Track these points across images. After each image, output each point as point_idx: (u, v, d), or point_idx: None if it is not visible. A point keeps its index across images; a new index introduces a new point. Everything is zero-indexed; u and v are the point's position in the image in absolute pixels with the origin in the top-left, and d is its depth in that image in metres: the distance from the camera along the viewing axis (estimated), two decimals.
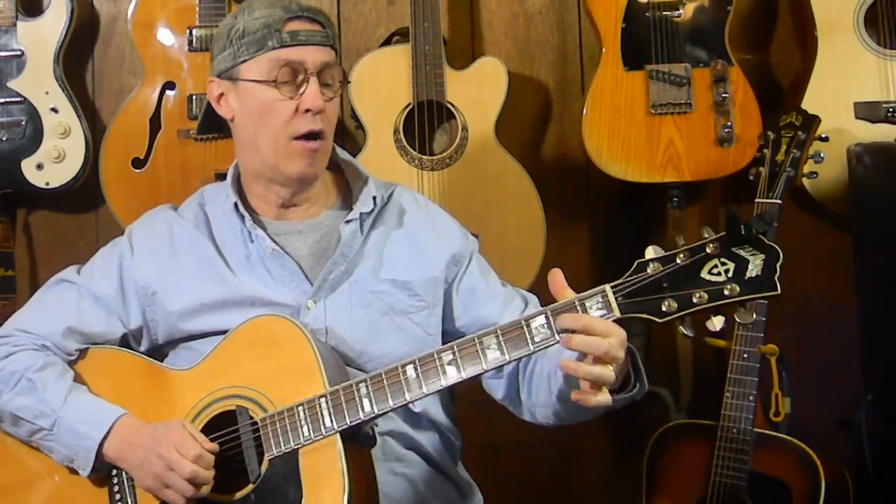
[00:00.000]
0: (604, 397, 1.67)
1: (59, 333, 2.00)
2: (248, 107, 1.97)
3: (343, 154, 2.11)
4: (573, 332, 1.65)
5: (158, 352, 2.04)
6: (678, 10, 2.76)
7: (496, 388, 2.04)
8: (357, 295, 1.98)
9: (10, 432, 1.97)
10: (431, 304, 2.03)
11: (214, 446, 1.82)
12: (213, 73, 2.00)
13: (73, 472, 1.92)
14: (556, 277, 1.71)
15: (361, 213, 2.02)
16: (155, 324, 2.02)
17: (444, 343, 1.91)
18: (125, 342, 2.04)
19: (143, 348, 2.04)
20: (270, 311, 1.91)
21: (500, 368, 1.98)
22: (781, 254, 1.59)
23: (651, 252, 1.65)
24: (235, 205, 2.01)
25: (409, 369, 1.75)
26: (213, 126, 2.09)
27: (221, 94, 2.00)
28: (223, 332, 1.91)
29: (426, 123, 2.75)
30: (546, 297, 1.73)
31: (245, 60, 1.94)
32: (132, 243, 2.07)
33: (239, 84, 1.96)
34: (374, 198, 2.04)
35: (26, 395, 1.93)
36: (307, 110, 1.92)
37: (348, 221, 2.01)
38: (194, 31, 2.74)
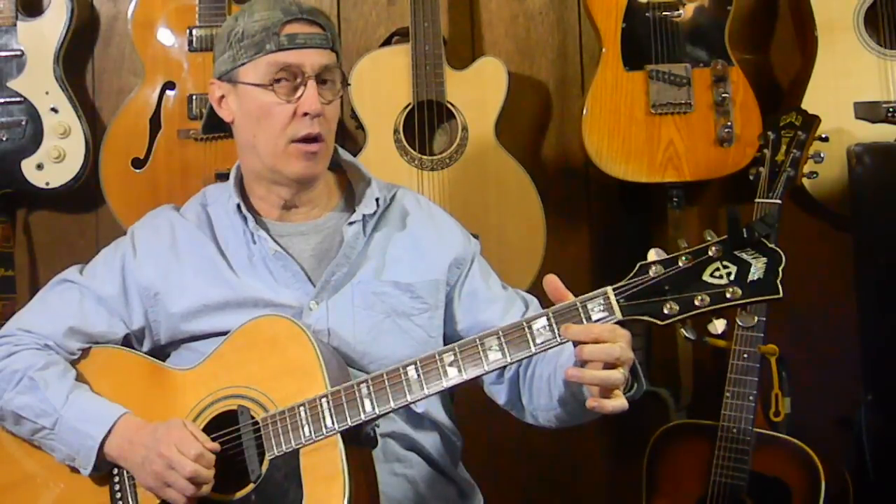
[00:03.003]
0: (619, 402, 1.66)
1: (62, 333, 2.00)
2: (246, 110, 1.97)
3: (346, 155, 2.11)
4: (583, 343, 1.65)
5: (161, 352, 2.04)
6: (678, 10, 2.76)
7: (498, 394, 2.04)
8: (359, 296, 1.98)
9: (12, 431, 1.97)
10: (433, 306, 2.03)
11: (216, 445, 1.82)
12: (214, 74, 2.01)
13: (75, 471, 1.92)
14: (552, 282, 1.70)
15: (364, 215, 2.02)
16: (157, 324, 2.02)
17: None
18: (127, 342, 2.04)
19: (145, 348, 2.05)
20: (273, 311, 1.92)
21: (501, 372, 1.99)
22: (784, 257, 1.59)
23: (653, 255, 1.65)
24: (238, 206, 2.01)
25: (411, 370, 1.75)
26: (217, 126, 2.09)
27: (222, 97, 2.01)
28: (225, 333, 1.91)
29: (426, 123, 2.75)
30: (546, 299, 1.73)
31: (244, 63, 1.94)
32: (135, 244, 2.07)
33: (238, 87, 1.96)
34: (377, 199, 2.04)
35: (28, 394, 1.93)
36: (305, 114, 1.92)
37: (351, 223, 2.01)
38: (194, 31, 2.74)
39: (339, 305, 1.97)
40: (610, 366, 1.64)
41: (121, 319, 2.03)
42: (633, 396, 1.77)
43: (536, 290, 2.10)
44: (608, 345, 1.63)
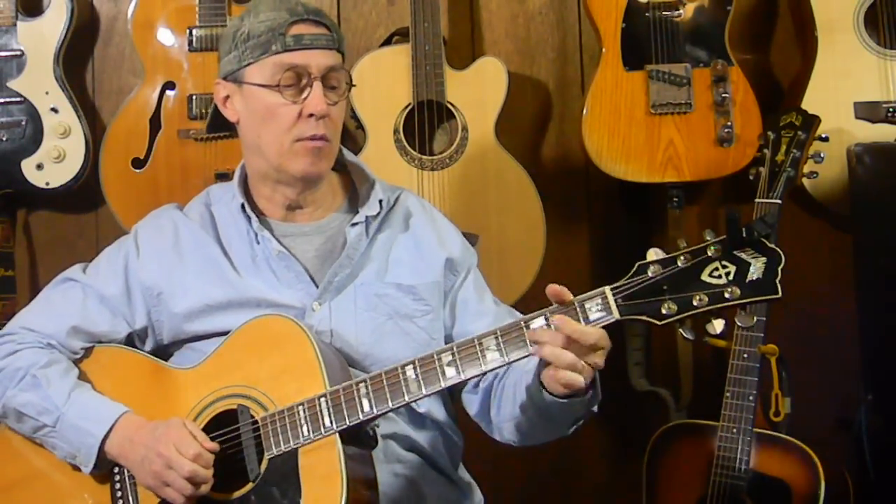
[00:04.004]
0: (574, 375, 1.66)
1: (65, 332, 2.00)
2: (252, 110, 1.97)
3: (350, 156, 2.11)
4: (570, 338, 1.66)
5: (163, 352, 2.04)
6: (678, 10, 2.76)
7: (471, 404, 2.05)
8: (362, 298, 1.98)
9: (14, 428, 1.98)
10: (435, 308, 2.03)
11: (214, 445, 1.82)
12: (220, 74, 2.01)
13: (76, 469, 1.92)
14: (552, 291, 1.70)
15: (367, 217, 2.02)
16: (160, 324, 2.02)
17: None
18: (130, 341, 2.05)
19: (147, 348, 2.05)
20: (274, 311, 1.92)
21: (477, 382, 2.00)
22: (783, 257, 1.59)
23: (652, 254, 1.65)
24: (242, 206, 2.01)
25: (409, 370, 1.75)
26: (222, 125, 2.09)
27: (227, 97, 2.01)
28: (228, 333, 1.91)
29: (426, 123, 2.75)
30: (544, 301, 1.73)
31: (249, 64, 1.94)
32: (138, 243, 2.07)
33: (244, 87, 1.97)
34: (381, 201, 2.04)
35: (30, 392, 1.93)
36: (311, 115, 1.92)
37: (354, 224, 2.01)
38: (194, 31, 2.74)
39: (341, 307, 1.97)
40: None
41: (124, 319, 2.04)
42: (590, 404, 1.78)
43: (536, 290, 2.10)
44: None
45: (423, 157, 2.75)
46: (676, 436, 2.62)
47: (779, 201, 2.55)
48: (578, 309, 1.67)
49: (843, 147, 2.66)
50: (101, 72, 2.94)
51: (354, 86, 2.02)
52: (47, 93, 2.74)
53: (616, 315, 1.65)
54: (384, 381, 1.76)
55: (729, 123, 2.71)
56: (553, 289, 1.69)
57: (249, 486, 1.81)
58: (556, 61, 3.00)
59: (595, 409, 1.82)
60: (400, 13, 2.92)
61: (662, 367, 2.88)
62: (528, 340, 1.69)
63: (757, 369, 2.49)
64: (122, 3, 2.92)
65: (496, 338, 1.70)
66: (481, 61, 2.81)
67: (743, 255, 1.60)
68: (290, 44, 1.92)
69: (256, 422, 1.82)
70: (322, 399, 1.78)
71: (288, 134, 1.94)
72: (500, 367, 1.72)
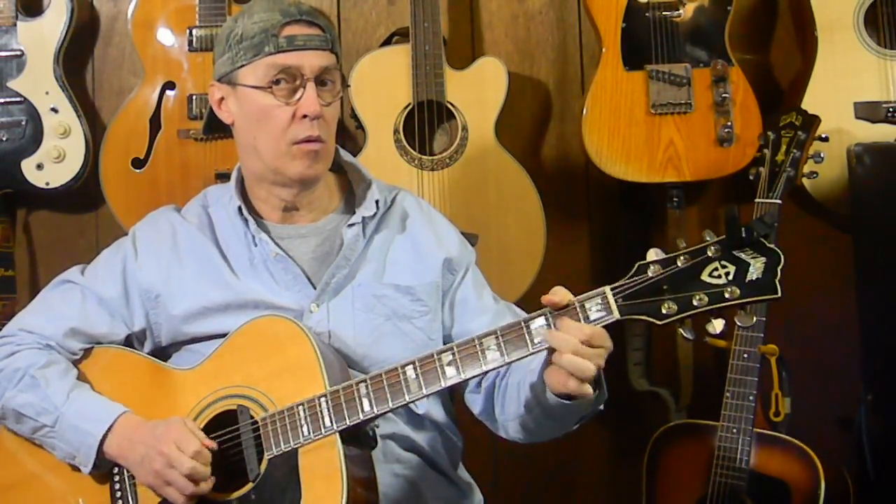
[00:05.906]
0: (583, 386, 1.67)
1: (63, 334, 2.00)
2: (246, 112, 1.97)
3: (347, 157, 2.11)
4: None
5: (162, 354, 2.04)
6: (678, 10, 2.76)
7: (474, 403, 2.05)
8: (360, 299, 1.98)
9: (14, 429, 1.98)
10: (433, 308, 2.03)
11: (213, 443, 1.82)
12: (214, 76, 2.01)
13: (76, 469, 1.92)
14: (547, 301, 1.70)
15: (364, 217, 2.02)
16: (158, 326, 2.02)
17: None
18: (129, 343, 2.05)
19: (146, 349, 2.05)
20: (274, 313, 1.91)
21: (479, 381, 2.00)
22: (782, 257, 1.59)
23: (652, 255, 1.65)
24: (239, 208, 2.01)
25: (409, 370, 1.75)
26: (218, 126, 2.08)
27: (222, 99, 2.00)
28: (226, 336, 1.91)
29: (426, 123, 2.75)
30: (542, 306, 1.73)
31: (243, 65, 1.94)
32: (136, 245, 2.07)
33: (238, 89, 1.96)
34: (377, 201, 2.04)
35: (29, 392, 1.93)
36: (304, 116, 1.92)
37: (351, 225, 2.01)
38: (194, 31, 2.74)
39: (339, 308, 1.97)
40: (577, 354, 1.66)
41: (122, 321, 2.04)
42: (594, 404, 1.78)
43: (536, 290, 2.10)
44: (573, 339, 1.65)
45: (423, 157, 2.75)
46: (676, 436, 2.63)
47: (779, 201, 2.56)
48: (579, 309, 1.67)
49: (843, 147, 2.67)
50: (101, 72, 2.95)
51: (349, 86, 2.02)
52: (47, 93, 2.74)
53: (616, 315, 1.66)
54: (384, 381, 1.76)
55: (729, 123, 2.71)
56: (549, 300, 1.69)
57: (249, 486, 1.81)
58: (556, 61, 3.00)
59: (601, 407, 1.82)
60: (400, 13, 2.92)
61: (662, 367, 2.88)
62: (528, 340, 1.69)
63: (757, 369, 2.49)
64: (122, 3, 2.92)
65: (496, 337, 1.70)
66: (481, 61, 2.81)
67: (742, 255, 1.61)
68: (283, 45, 1.91)
69: (256, 422, 1.82)
70: (322, 399, 1.77)
71: (283, 137, 1.93)
72: (500, 366, 1.72)
